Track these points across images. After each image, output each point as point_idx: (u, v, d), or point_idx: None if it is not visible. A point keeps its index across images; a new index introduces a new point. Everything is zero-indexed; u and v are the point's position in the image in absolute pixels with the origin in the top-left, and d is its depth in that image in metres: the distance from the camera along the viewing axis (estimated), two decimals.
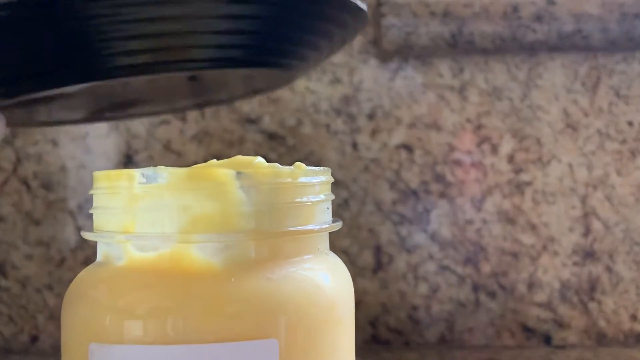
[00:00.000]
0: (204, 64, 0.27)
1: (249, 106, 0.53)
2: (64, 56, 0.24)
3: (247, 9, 0.27)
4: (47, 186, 0.53)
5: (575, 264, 0.52)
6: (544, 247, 0.52)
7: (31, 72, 0.24)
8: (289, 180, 0.26)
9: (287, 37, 0.31)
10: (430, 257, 0.53)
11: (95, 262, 0.28)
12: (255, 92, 0.42)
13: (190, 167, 0.26)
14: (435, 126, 0.53)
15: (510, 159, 0.52)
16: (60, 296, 0.53)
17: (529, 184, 0.52)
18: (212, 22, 0.26)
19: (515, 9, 0.50)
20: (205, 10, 0.25)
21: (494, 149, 0.53)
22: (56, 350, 0.52)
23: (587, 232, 0.52)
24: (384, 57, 0.53)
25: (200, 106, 0.48)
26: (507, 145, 0.52)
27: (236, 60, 0.27)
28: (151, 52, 0.25)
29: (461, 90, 0.53)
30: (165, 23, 0.24)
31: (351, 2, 0.30)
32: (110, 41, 0.24)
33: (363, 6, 0.31)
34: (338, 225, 0.29)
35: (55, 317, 0.53)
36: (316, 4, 0.29)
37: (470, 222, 0.52)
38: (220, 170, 0.25)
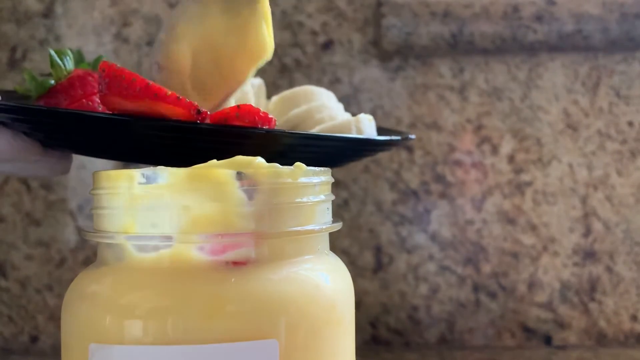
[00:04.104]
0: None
1: None
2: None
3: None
4: (47, 186, 0.53)
5: (575, 264, 0.52)
6: (545, 248, 0.52)
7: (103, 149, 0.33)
8: (289, 180, 0.26)
9: (340, 161, 0.37)
10: (431, 257, 0.53)
11: (95, 262, 0.28)
12: None
13: (191, 167, 0.26)
14: (435, 126, 0.53)
15: (511, 159, 0.52)
16: (60, 296, 0.53)
17: (529, 184, 0.52)
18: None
19: (516, 9, 0.50)
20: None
21: (494, 149, 0.52)
22: (56, 350, 0.52)
23: (587, 232, 0.52)
24: (384, 57, 0.53)
25: None
26: (507, 146, 0.52)
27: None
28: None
29: (461, 91, 0.53)
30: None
31: (402, 139, 0.37)
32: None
33: (412, 136, 0.39)
34: (338, 225, 0.29)
35: (55, 317, 0.53)
36: (376, 145, 0.36)
37: (470, 222, 0.52)
38: (220, 171, 0.25)
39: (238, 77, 0.32)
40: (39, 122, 0.30)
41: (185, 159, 0.30)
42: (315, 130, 0.35)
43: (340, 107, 0.39)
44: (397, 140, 0.36)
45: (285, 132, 0.31)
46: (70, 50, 0.33)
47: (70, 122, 0.29)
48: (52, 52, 0.32)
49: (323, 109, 0.37)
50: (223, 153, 0.27)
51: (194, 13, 0.32)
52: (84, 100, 0.31)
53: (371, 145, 0.36)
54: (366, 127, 0.35)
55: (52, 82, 0.32)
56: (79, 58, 0.34)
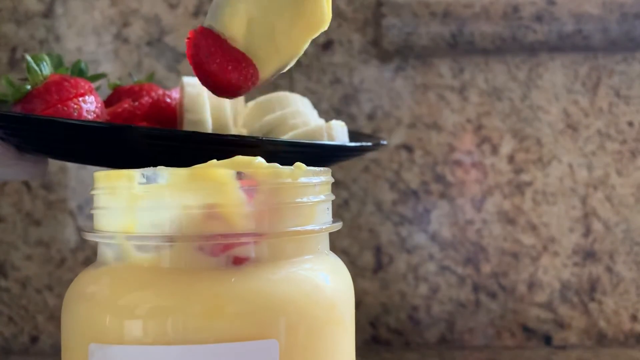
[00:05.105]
0: None
1: None
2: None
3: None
4: (47, 186, 0.53)
5: (575, 264, 0.52)
6: (545, 248, 0.52)
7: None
8: (289, 180, 0.26)
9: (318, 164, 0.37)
10: (431, 257, 0.53)
11: (95, 262, 0.28)
12: None
13: (191, 167, 0.26)
14: (435, 126, 0.53)
15: (511, 159, 0.52)
16: (60, 296, 0.53)
17: (529, 184, 0.52)
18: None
19: (516, 9, 0.50)
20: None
21: (494, 149, 0.52)
22: (56, 350, 0.52)
23: (587, 232, 0.52)
24: (384, 57, 0.53)
25: None
26: (507, 146, 0.52)
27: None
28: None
29: (461, 91, 0.53)
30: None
31: (373, 145, 0.38)
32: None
33: (384, 142, 0.40)
34: (338, 225, 0.29)
35: (55, 317, 0.53)
36: (354, 150, 0.38)
37: (470, 222, 0.52)
38: (220, 171, 0.25)
39: (292, 49, 0.30)
40: (13, 128, 0.30)
41: (155, 164, 0.30)
42: (287, 136, 0.36)
43: (314, 113, 0.40)
44: (368, 146, 0.37)
45: (255, 138, 0.32)
46: (49, 55, 0.34)
47: (43, 129, 0.30)
48: (29, 58, 0.33)
49: (297, 115, 0.37)
50: (195, 158, 0.27)
51: None
52: (59, 105, 0.32)
53: (341, 152, 0.36)
54: (338, 133, 0.36)
55: (29, 87, 0.32)
56: (58, 63, 0.34)
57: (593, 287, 0.52)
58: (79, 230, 0.53)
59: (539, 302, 0.52)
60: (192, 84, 0.36)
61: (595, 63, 0.52)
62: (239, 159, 0.26)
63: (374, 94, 0.53)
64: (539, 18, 0.50)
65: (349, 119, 0.53)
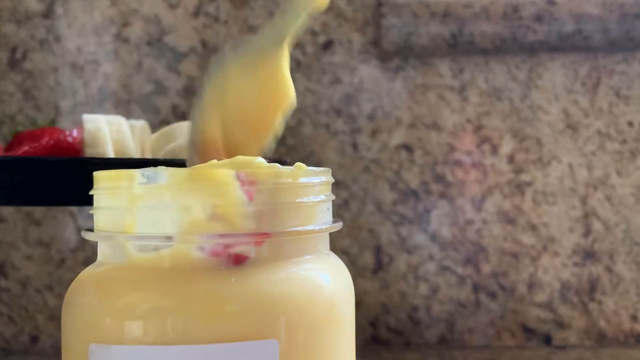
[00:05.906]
0: None
1: None
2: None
3: None
4: None
5: (575, 264, 0.52)
6: (544, 248, 0.52)
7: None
8: (290, 180, 0.26)
9: None
10: (431, 257, 0.53)
11: (95, 262, 0.28)
12: None
13: (191, 167, 0.26)
14: (435, 126, 0.53)
15: (511, 159, 0.52)
16: (60, 296, 0.53)
17: (529, 184, 0.52)
18: None
19: (515, 9, 0.50)
20: None
21: (494, 150, 0.52)
22: (56, 350, 0.52)
23: (587, 232, 0.52)
24: (384, 57, 0.53)
25: None
26: (507, 146, 0.52)
27: None
28: None
29: (461, 91, 0.53)
30: None
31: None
32: None
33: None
34: (338, 225, 0.29)
35: (55, 317, 0.53)
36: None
37: (470, 222, 0.52)
38: (221, 171, 0.25)
39: (268, 129, 0.31)
40: None
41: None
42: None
43: None
44: None
45: (93, 158, 0.34)
46: None
47: None
48: None
49: None
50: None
51: (218, 80, 0.31)
52: None
53: None
54: None
55: None
56: None
57: (593, 287, 0.52)
58: (79, 230, 0.53)
59: (539, 302, 0.52)
60: (92, 120, 0.37)
61: (595, 63, 0.52)
62: (239, 159, 0.26)
63: (374, 94, 0.53)
64: (539, 18, 0.50)
65: (349, 119, 0.53)
